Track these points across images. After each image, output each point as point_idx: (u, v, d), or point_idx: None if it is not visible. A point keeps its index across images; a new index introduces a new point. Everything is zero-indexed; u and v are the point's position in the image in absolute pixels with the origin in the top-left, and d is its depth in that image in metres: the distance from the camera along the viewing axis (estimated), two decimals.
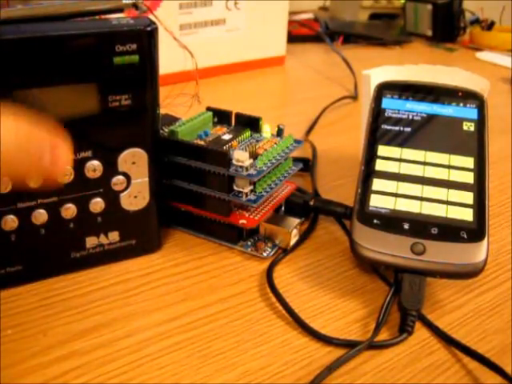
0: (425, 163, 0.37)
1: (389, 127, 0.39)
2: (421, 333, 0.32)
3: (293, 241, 0.38)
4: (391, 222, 0.34)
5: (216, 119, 0.42)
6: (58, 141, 0.26)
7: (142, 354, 0.29)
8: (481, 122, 0.39)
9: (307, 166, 0.48)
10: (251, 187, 0.37)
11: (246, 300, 0.34)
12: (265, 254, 0.37)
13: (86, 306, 0.32)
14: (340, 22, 1.02)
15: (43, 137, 0.25)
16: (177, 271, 0.36)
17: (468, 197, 0.35)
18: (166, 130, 0.39)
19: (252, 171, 0.36)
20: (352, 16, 1.06)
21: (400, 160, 0.38)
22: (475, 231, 0.33)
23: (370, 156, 0.38)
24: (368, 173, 0.37)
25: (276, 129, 0.41)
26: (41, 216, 0.32)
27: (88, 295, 0.33)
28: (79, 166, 0.32)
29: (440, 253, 0.33)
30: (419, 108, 0.40)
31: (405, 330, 0.31)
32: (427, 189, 0.36)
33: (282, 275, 0.36)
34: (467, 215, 0.34)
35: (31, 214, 0.32)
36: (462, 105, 0.40)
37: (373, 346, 0.31)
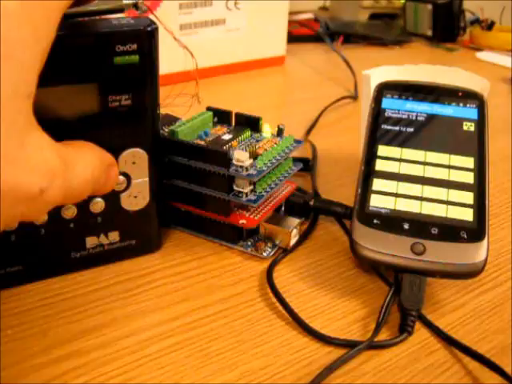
0: (425, 163, 0.37)
1: (389, 127, 0.39)
2: (421, 333, 0.32)
3: (293, 241, 0.38)
4: (391, 222, 0.34)
5: (216, 119, 0.42)
6: (113, 161, 0.28)
7: (142, 354, 0.29)
8: (481, 122, 0.39)
9: (307, 165, 0.48)
10: (251, 187, 0.37)
11: (246, 300, 0.34)
12: (265, 254, 0.37)
13: (86, 305, 0.32)
14: (340, 22, 1.02)
15: (110, 163, 0.28)
16: (177, 271, 0.36)
17: (468, 197, 0.35)
18: (166, 129, 0.39)
19: (252, 171, 0.36)
20: (352, 16, 1.06)
21: (400, 160, 0.38)
22: (475, 231, 0.33)
23: (370, 156, 0.38)
24: (368, 173, 0.37)
25: (276, 129, 0.41)
26: None
27: (88, 295, 0.33)
28: None
29: (440, 253, 0.33)
30: (419, 108, 0.40)
31: (405, 329, 0.31)
32: (427, 189, 0.36)
33: (282, 275, 0.36)
34: (467, 215, 0.34)
35: None
36: (461, 105, 0.40)
37: (373, 346, 0.31)
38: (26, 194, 0.21)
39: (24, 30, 0.21)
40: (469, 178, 0.36)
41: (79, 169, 0.25)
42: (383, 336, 0.32)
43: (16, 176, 0.21)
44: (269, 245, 0.38)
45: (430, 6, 0.94)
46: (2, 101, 0.21)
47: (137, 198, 0.35)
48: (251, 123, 0.41)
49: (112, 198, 0.34)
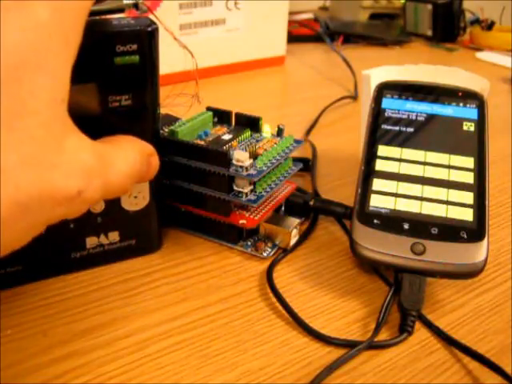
0: (425, 163, 0.37)
1: (389, 127, 0.39)
2: (421, 333, 0.32)
3: (293, 241, 0.38)
4: (391, 222, 0.34)
5: (216, 119, 0.42)
6: (153, 150, 0.29)
7: (142, 354, 0.29)
8: (481, 122, 0.39)
9: (307, 165, 0.48)
10: (251, 187, 0.37)
11: (246, 300, 0.34)
12: (265, 254, 0.37)
13: (86, 305, 0.33)
14: (340, 22, 1.02)
15: (150, 153, 0.29)
16: (177, 271, 0.36)
17: (468, 197, 0.35)
18: (166, 130, 0.39)
19: (252, 171, 0.36)
20: (352, 16, 1.06)
21: (400, 160, 0.38)
22: (475, 231, 0.33)
23: (370, 156, 0.38)
24: (368, 173, 0.37)
25: (276, 129, 0.41)
26: None
27: (88, 295, 0.33)
28: None
29: (440, 253, 0.33)
30: (419, 108, 0.40)
31: (405, 329, 0.31)
32: (427, 189, 0.36)
33: (281, 275, 0.36)
34: (467, 215, 0.34)
35: None
36: (461, 105, 0.40)
37: (373, 346, 0.31)
38: (64, 197, 0.22)
39: (55, 39, 0.22)
40: (469, 177, 0.36)
41: (119, 165, 0.26)
42: (383, 336, 0.32)
43: (54, 181, 0.22)
44: (269, 245, 0.38)
45: (429, 6, 0.94)
46: (40, 109, 0.21)
47: (137, 198, 0.35)
48: (251, 123, 0.41)
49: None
